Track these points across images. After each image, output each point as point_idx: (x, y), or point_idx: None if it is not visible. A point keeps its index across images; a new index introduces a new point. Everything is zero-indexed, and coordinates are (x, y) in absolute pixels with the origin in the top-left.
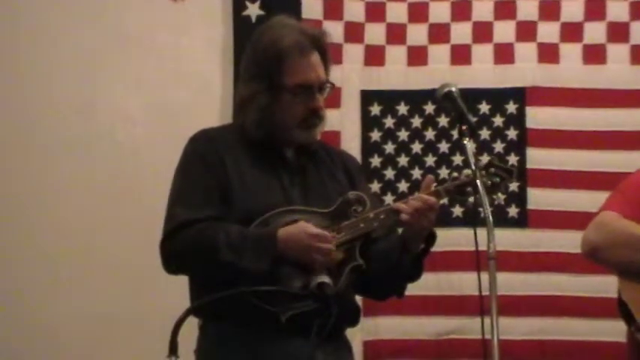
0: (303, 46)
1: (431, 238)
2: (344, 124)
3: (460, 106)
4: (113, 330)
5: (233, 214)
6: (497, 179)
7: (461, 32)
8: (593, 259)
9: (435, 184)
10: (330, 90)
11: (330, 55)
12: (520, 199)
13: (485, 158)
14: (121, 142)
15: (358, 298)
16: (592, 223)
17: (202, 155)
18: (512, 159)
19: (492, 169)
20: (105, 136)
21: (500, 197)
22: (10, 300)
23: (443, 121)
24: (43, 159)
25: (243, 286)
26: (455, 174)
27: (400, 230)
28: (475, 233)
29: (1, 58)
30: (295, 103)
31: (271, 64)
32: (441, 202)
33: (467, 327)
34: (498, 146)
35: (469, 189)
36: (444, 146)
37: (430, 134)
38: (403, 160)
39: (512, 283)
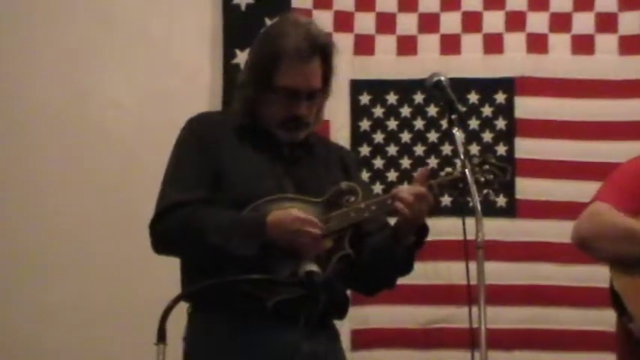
0: (303, 52)
1: (423, 232)
2: (333, 114)
3: (449, 95)
4: (102, 317)
5: (225, 199)
6: (491, 176)
7: (450, 22)
8: (583, 250)
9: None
10: (322, 99)
11: (333, 64)
12: (509, 188)
13: (474, 148)
14: (111, 130)
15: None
16: (584, 214)
17: (199, 137)
18: (501, 149)
19: (486, 166)
20: (95, 124)
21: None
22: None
23: (432, 110)
24: (33, 148)
25: (231, 270)
26: (449, 169)
27: (392, 223)
28: (464, 222)
29: None
30: (277, 104)
31: (266, 59)
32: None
33: (455, 316)
34: (487, 136)
35: (462, 185)
36: (433, 136)
37: (419, 124)
38: (392, 150)
39: (501, 272)
